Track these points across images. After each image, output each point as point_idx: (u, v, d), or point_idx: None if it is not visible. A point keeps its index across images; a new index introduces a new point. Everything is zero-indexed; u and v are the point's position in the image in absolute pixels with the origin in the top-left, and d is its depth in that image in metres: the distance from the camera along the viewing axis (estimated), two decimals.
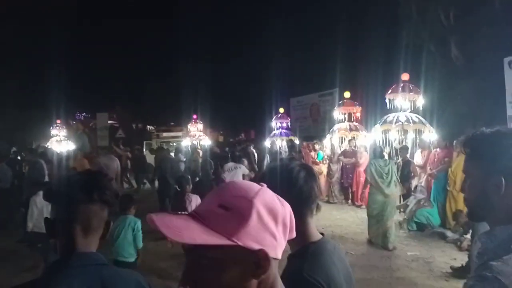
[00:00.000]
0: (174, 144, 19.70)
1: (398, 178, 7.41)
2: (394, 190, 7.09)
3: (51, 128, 17.27)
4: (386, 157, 8.47)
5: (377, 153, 7.53)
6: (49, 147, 14.19)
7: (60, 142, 15.95)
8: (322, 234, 1.40)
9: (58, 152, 12.95)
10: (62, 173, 10.03)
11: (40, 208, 5.14)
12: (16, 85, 23.26)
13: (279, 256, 0.83)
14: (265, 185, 0.86)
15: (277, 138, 15.70)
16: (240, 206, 0.79)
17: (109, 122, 23.48)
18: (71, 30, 23.39)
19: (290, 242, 0.95)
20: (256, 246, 0.77)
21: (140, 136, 27.50)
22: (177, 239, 0.73)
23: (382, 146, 8.79)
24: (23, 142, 18.22)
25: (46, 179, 8.01)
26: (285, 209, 0.85)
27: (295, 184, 1.33)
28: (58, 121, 17.39)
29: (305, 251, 1.29)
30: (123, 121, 27.34)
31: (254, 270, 0.79)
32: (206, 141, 17.86)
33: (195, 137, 17.61)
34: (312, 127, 19.99)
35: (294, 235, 0.88)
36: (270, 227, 0.80)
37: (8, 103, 23.34)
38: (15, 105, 23.51)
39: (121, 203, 4.32)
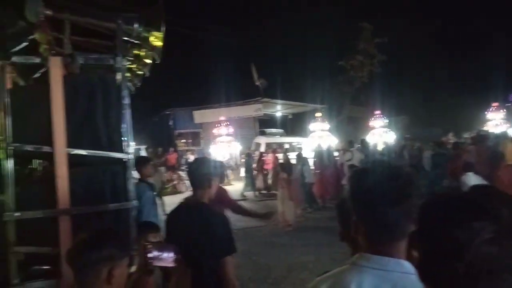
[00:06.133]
0: None
1: None
2: None
3: (486, 112, 16.71)
4: None
5: None
6: (489, 131, 13.75)
7: (497, 126, 15.18)
8: None
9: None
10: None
11: None
12: (445, 73, 24.42)
13: None
14: None
15: None
16: None
17: None
18: None
19: None
20: None
21: None
22: None
23: None
24: (457, 128, 18.76)
25: None
26: None
27: None
28: (495, 104, 16.53)
29: None
30: None
31: None
32: None
33: None
34: None
35: None
36: None
37: (437, 90, 24.89)
38: (444, 92, 24.69)
39: None
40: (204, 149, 21.83)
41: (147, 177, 5.06)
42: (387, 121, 17.51)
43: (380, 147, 15.11)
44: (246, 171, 14.84)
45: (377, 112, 17.57)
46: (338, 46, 23.92)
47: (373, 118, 17.48)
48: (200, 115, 22.26)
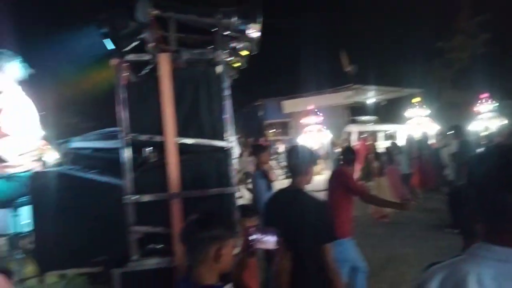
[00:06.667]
0: None
1: None
2: None
3: None
4: None
5: None
6: None
7: None
8: None
9: None
10: None
11: None
12: None
13: None
14: None
15: None
16: None
17: None
18: None
19: None
20: None
21: None
22: None
23: None
24: None
25: None
26: None
27: None
28: None
29: None
30: None
31: None
32: None
33: None
34: None
35: None
36: None
37: None
38: None
39: None
40: (294, 139, 21.95)
41: (264, 164, 5.11)
42: (496, 105, 15.77)
43: (483, 133, 13.74)
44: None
45: (484, 95, 15.94)
46: (434, 27, 22.13)
47: (478, 103, 15.91)
48: (289, 105, 22.33)
